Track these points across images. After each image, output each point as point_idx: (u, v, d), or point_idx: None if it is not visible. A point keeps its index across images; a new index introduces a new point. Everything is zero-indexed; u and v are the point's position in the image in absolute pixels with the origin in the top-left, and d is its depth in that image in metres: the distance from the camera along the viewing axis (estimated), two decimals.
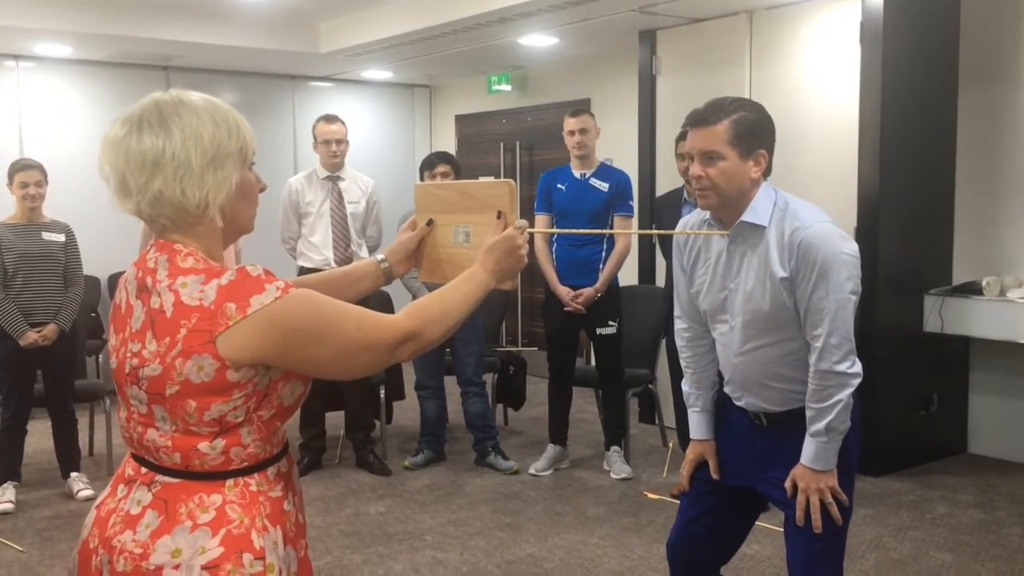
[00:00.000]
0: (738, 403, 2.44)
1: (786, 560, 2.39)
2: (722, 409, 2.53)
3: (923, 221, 5.07)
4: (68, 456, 4.84)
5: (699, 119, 2.27)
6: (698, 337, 2.54)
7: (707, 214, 2.39)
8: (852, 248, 2.22)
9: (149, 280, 1.48)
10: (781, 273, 2.22)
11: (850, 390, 2.23)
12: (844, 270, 2.19)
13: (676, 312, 2.58)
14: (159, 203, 1.47)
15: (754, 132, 2.25)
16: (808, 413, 2.27)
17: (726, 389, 2.49)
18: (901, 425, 5.01)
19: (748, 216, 2.26)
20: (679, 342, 2.58)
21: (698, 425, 2.54)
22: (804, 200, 2.31)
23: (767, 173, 2.30)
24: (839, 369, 2.21)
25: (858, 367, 2.25)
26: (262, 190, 1.62)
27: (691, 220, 2.49)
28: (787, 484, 2.29)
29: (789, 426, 2.33)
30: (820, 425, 2.24)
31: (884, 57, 4.74)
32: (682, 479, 2.54)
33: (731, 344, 2.38)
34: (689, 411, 2.56)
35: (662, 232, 2.54)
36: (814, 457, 2.26)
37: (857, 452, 2.40)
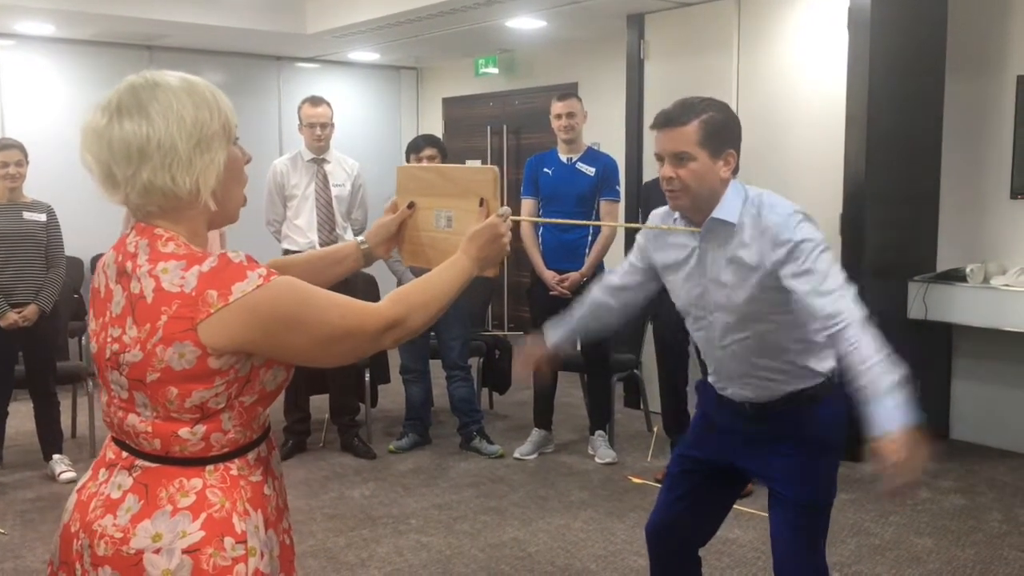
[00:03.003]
0: (723, 392, 2.45)
1: (770, 539, 2.40)
2: (706, 394, 2.54)
3: (908, 208, 5.09)
4: (50, 438, 4.81)
5: (668, 120, 2.26)
6: (607, 299, 2.60)
7: (676, 213, 2.38)
8: (819, 236, 2.18)
9: (129, 265, 1.46)
10: (759, 262, 2.20)
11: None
12: (815, 250, 2.15)
13: (620, 269, 2.60)
14: (149, 193, 1.45)
15: (723, 132, 2.25)
16: (867, 377, 1.98)
17: (711, 379, 2.51)
18: None
19: (718, 213, 2.26)
20: (596, 290, 2.63)
21: (550, 331, 2.61)
22: (775, 194, 2.30)
23: (735, 172, 2.30)
24: (860, 315, 2.08)
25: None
26: (247, 162, 1.60)
27: (659, 215, 2.49)
28: (878, 467, 1.99)
29: (773, 414, 2.35)
30: (892, 379, 1.97)
31: (871, 44, 4.74)
32: (518, 372, 2.58)
33: (711, 338, 2.39)
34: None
35: (643, 227, 2.52)
36: (899, 416, 1.96)
37: (843, 435, 2.41)
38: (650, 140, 6.34)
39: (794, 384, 2.34)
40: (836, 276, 2.13)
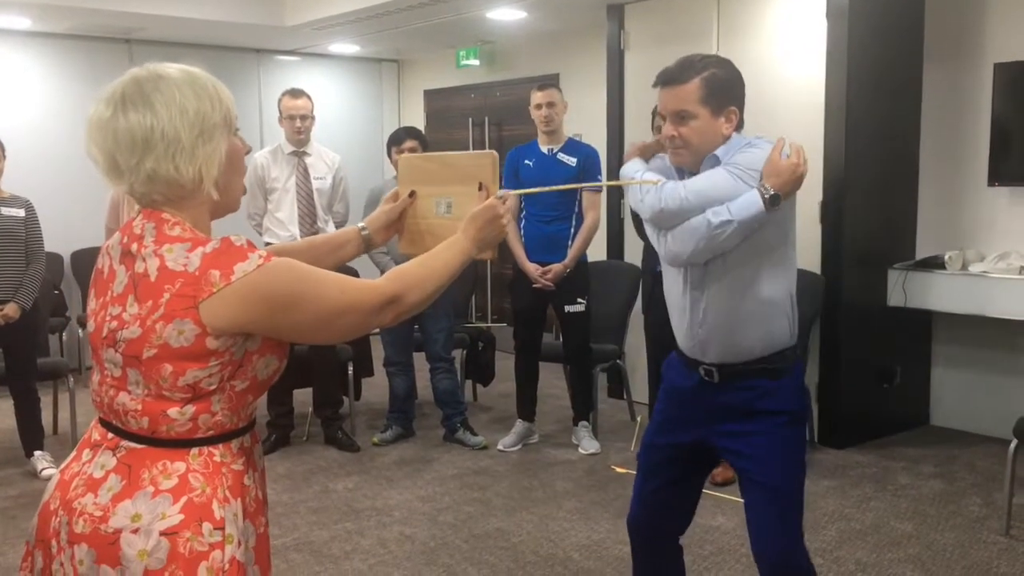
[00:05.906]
0: (691, 355, 2.41)
1: (746, 523, 2.39)
2: (673, 368, 2.52)
3: (887, 196, 5.12)
4: (31, 435, 4.78)
5: (670, 78, 2.27)
6: None
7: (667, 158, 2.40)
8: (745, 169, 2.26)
9: (135, 246, 1.50)
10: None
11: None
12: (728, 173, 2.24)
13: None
14: (153, 181, 1.49)
15: (724, 89, 2.26)
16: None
17: (676, 336, 2.46)
18: (864, 398, 5.08)
19: (718, 152, 2.28)
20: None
21: None
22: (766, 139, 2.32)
23: (739, 127, 2.31)
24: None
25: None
26: (247, 152, 1.64)
27: (655, 166, 2.49)
28: None
29: (740, 379, 2.33)
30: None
31: (849, 34, 4.76)
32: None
33: (676, 283, 2.39)
34: None
35: (630, 183, 2.50)
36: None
37: (808, 407, 2.42)
38: (631, 130, 6.35)
39: (760, 339, 2.31)
40: (702, 185, 2.23)
